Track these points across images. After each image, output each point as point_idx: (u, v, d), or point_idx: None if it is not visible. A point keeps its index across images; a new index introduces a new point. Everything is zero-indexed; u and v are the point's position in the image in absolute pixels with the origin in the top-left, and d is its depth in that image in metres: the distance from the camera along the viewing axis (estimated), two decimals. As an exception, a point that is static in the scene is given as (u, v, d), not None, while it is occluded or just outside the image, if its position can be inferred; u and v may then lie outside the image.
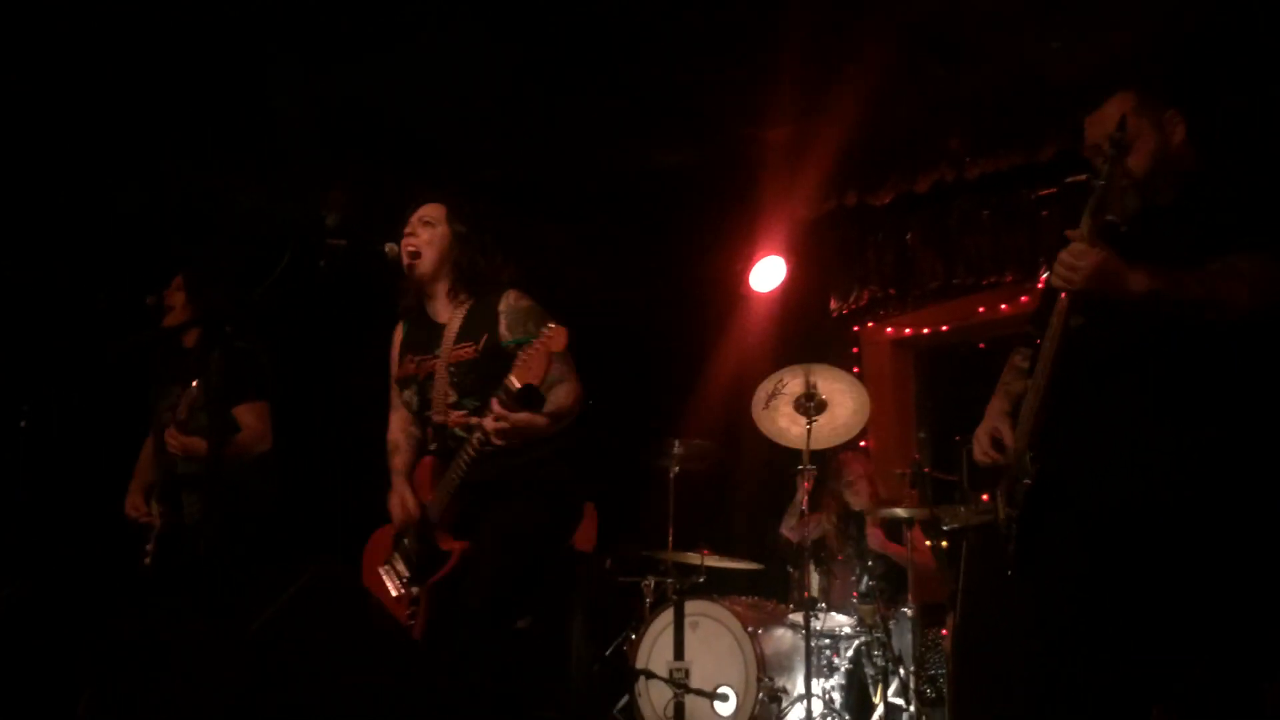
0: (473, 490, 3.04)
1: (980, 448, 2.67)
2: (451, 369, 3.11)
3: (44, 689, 2.00)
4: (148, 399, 4.05)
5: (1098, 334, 2.42)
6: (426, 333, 3.24)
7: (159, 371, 4.06)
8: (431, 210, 3.25)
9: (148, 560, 3.75)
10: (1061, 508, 2.48)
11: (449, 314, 3.21)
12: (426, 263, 3.19)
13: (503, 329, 3.08)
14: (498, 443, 2.93)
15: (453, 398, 3.10)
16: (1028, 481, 2.50)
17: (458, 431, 3.08)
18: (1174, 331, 2.36)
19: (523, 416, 2.93)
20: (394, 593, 3.12)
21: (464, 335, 3.13)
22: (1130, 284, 2.30)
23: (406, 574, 3.12)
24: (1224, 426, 2.34)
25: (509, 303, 3.12)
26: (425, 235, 3.20)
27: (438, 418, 3.13)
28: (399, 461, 3.28)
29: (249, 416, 3.87)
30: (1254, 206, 2.43)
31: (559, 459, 3.12)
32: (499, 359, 3.03)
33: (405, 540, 3.16)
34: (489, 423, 2.92)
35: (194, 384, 3.76)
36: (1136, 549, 2.35)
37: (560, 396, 3.05)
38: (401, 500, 3.17)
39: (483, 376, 3.05)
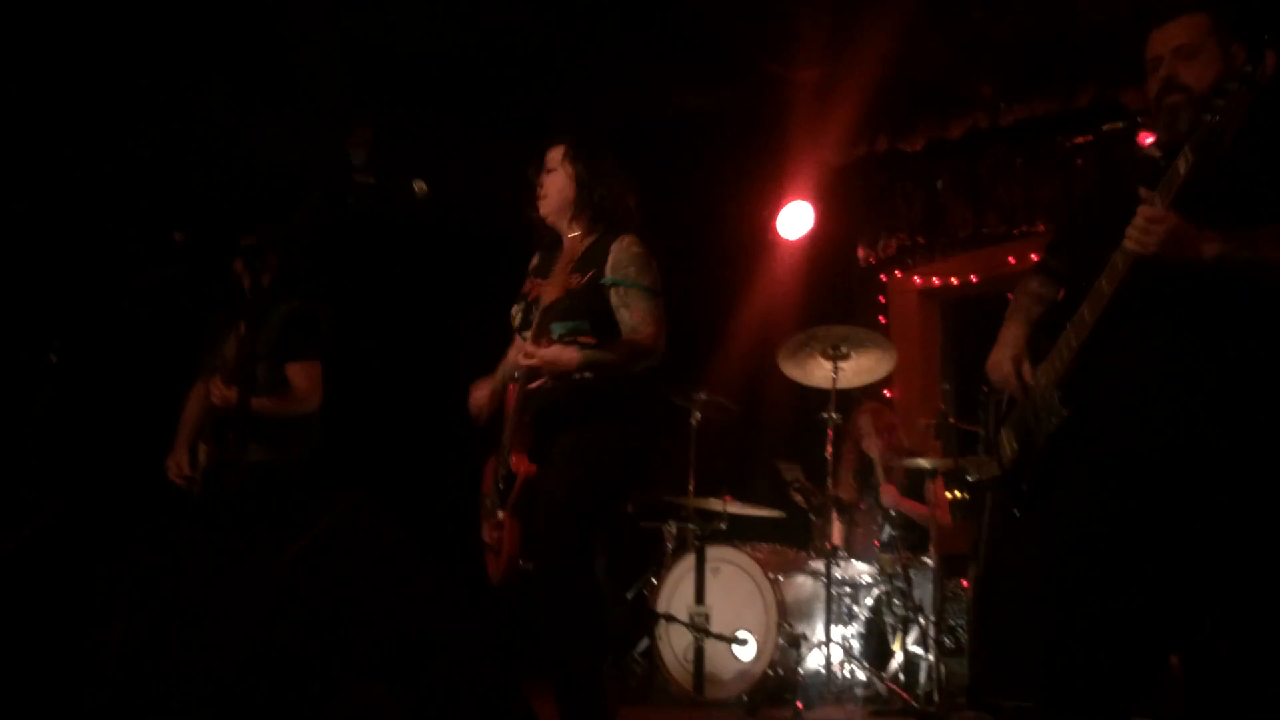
0: (543, 418, 3.13)
1: (1004, 370, 2.54)
2: (562, 297, 3.17)
3: (74, 617, 2.03)
4: (201, 343, 4.08)
5: (1151, 278, 2.33)
6: (552, 261, 3.33)
7: (216, 320, 4.08)
8: (552, 154, 3.31)
9: (195, 502, 3.79)
10: (1090, 448, 2.42)
11: (575, 247, 3.29)
12: (548, 206, 3.28)
13: (607, 267, 3.14)
14: (534, 382, 3.04)
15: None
16: (1055, 420, 2.43)
17: None
18: (1232, 292, 2.28)
19: (552, 350, 3.00)
20: (491, 520, 3.22)
21: (577, 267, 3.20)
22: (1203, 251, 2.22)
23: (496, 500, 3.21)
24: (1272, 378, 2.28)
25: (622, 245, 3.17)
26: (546, 182, 3.28)
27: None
28: (501, 367, 3.41)
29: (300, 376, 3.91)
30: None
31: (627, 387, 3.13)
32: (597, 296, 3.11)
33: (491, 463, 3.27)
34: (520, 357, 3.03)
35: (241, 326, 3.78)
36: (1167, 493, 2.30)
37: (623, 344, 3.10)
38: (480, 388, 3.32)
39: (577, 308, 3.11)
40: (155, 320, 4.03)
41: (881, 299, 6.33)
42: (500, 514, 3.13)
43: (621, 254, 3.15)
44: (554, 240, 3.35)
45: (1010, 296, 2.77)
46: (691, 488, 5.13)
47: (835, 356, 4.83)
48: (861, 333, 4.94)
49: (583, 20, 5.12)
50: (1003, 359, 2.57)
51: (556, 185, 3.26)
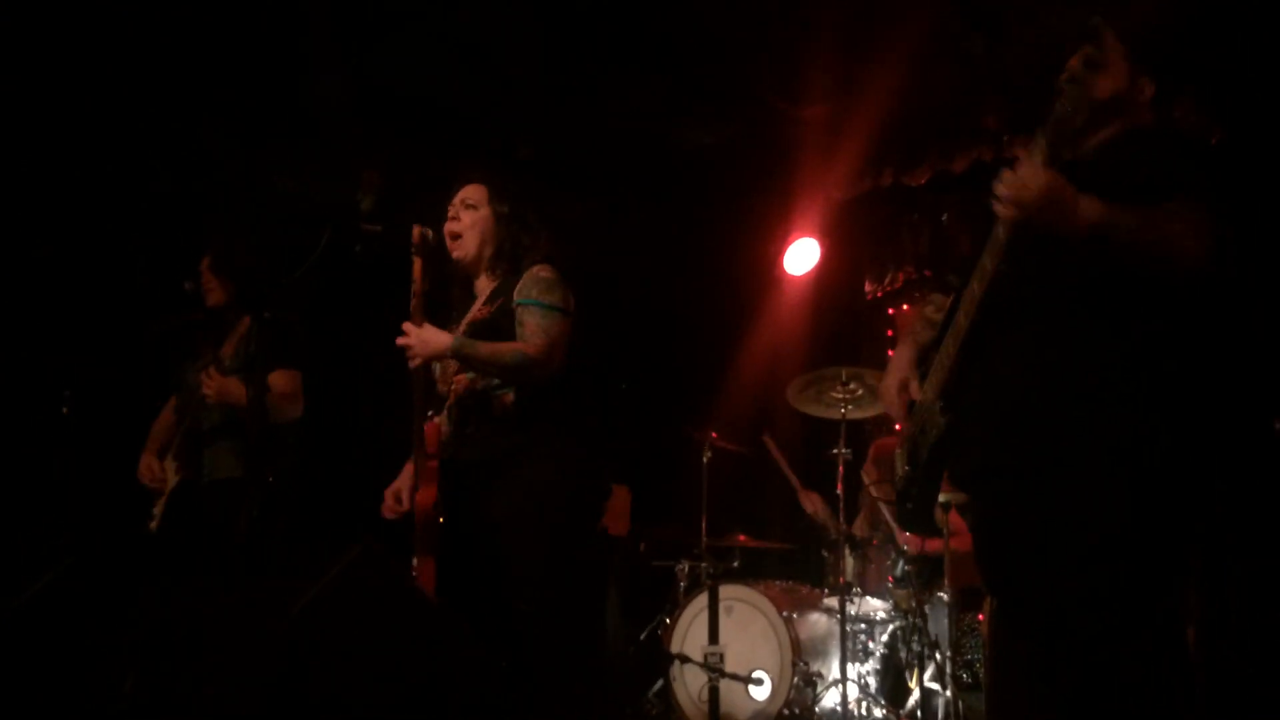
0: (465, 470, 3.07)
1: (889, 397, 2.52)
2: (467, 328, 3.16)
3: (88, 670, 2.03)
4: (173, 372, 4.06)
5: (1022, 285, 2.25)
6: (465, 307, 3.29)
7: (188, 348, 4.06)
8: (473, 192, 3.27)
9: (154, 524, 3.74)
10: (961, 461, 2.37)
11: (484, 287, 3.28)
12: (468, 245, 3.23)
13: (516, 292, 3.13)
14: (412, 362, 3.00)
15: None
16: (935, 433, 2.35)
17: (464, 403, 3.13)
18: (1098, 294, 2.19)
19: (427, 331, 3.00)
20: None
21: (487, 300, 3.20)
22: (1080, 213, 2.08)
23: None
24: (1117, 396, 2.16)
25: (532, 272, 3.16)
26: (467, 218, 3.23)
27: (443, 387, 3.17)
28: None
29: (280, 380, 3.85)
30: (1193, 161, 2.25)
31: (558, 435, 3.11)
32: (507, 320, 3.10)
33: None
34: (399, 340, 3.00)
35: (225, 347, 3.78)
36: (1011, 510, 2.25)
37: (502, 346, 3.06)
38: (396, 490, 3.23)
39: (489, 335, 3.09)
40: (166, 368, 4.03)
41: (890, 332, 6.33)
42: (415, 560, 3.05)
43: (529, 279, 3.15)
44: (463, 289, 3.31)
45: None
46: (704, 526, 5.11)
47: (845, 393, 4.83)
48: (868, 372, 4.94)
49: (589, 60, 5.17)
50: (888, 385, 2.54)
51: (478, 225, 3.22)
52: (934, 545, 4.84)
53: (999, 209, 2.15)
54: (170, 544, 3.60)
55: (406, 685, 2.06)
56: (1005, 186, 2.14)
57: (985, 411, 2.30)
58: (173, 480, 3.86)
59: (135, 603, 2.14)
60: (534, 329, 3.06)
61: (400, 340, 3.00)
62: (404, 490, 3.16)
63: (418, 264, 3.16)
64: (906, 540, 4.95)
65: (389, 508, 3.18)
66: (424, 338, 2.99)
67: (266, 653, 1.89)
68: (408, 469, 3.20)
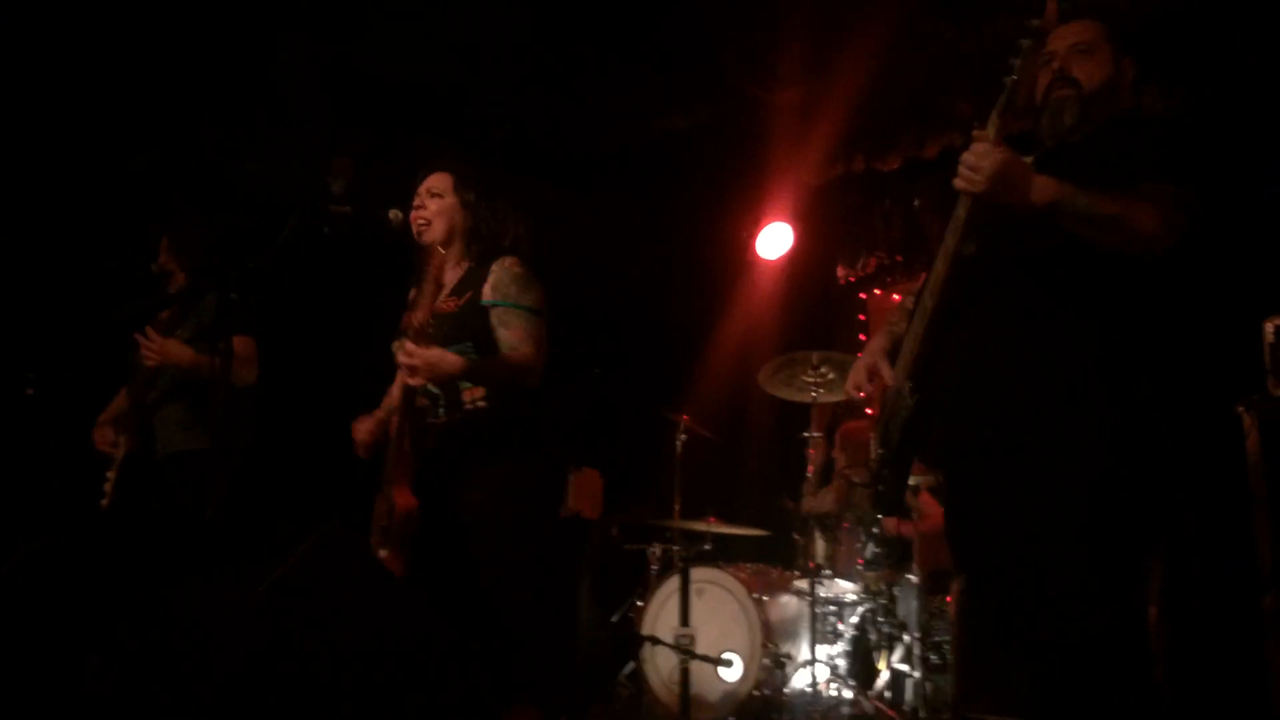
0: (442, 455, 3.06)
1: (853, 380, 2.57)
2: (432, 320, 3.12)
3: (50, 651, 2.02)
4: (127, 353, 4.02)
5: (987, 264, 2.30)
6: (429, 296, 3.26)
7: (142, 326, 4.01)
8: (438, 181, 3.27)
9: (105, 501, 3.68)
10: (932, 441, 2.41)
11: (452, 273, 3.26)
12: (435, 233, 3.23)
13: (487, 288, 3.11)
14: (412, 380, 2.96)
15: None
16: (905, 413, 2.39)
17: (428, 388, 3.11)
18: (1064, 272, 2.24)
19: (434, 353, 2.95)
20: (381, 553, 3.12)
21: (453, 291, 3.18)
22: (1033, 190, 2.15)
23: (380, 536, 3.11)
24: (1083, 372, 2.20)
25: (503, 266, 3.15)
26: (433, 206, 3.24)
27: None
28: (386, 402, 3.31)
29: (236, 344, 3.68)
30: (1167, 145, 2.30)
31: (528, 430, 3.12)
32: (476, 317, 3.08)
33: (379, 499, 3.17)
34: (401, 357, 2.96)
35: (163, 312, 3.74)
36: (982, 487, 2.29)
37: (504, 359, 3.06)
38: (363, 424, 3.24)
39: (458, 330, 3.08)
40: (130, 351, 4.00)
41: (862, 317, 6.37)
42: (383, 552, 3.01)
43: (503, 274, 3.13)
44: (434, 269, 3.26)
45: None
46: (677, 509, 5.13)
47: (816, 377, 4.85)
48: (839, 356, 4.97)
49: (562, 46, 5.16)
50: (855, 368, 2.59)
51: (445, 212, 3.22)
52: (908, 527, 4.88)
53: (957, 184, 2.20)
54: (126, 524, 3.56)
55: (375, 667, 2.06)
56: (961, 164, 2.20)
57: (956, 390, 2.33)
58: (122, 449, 3.79)
59: (96, 585, 2.14)
60: (523, 335, 3.05)
61: (404, 361, 2.94)
62: (375, 427, 3.18)
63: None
64: (886, 524, 4.99)
65: (361, 442, 3.19)
66: (430, 360, 2.93)
67: (231, 634, 1.90)
68: (385, 404, 3.22)
